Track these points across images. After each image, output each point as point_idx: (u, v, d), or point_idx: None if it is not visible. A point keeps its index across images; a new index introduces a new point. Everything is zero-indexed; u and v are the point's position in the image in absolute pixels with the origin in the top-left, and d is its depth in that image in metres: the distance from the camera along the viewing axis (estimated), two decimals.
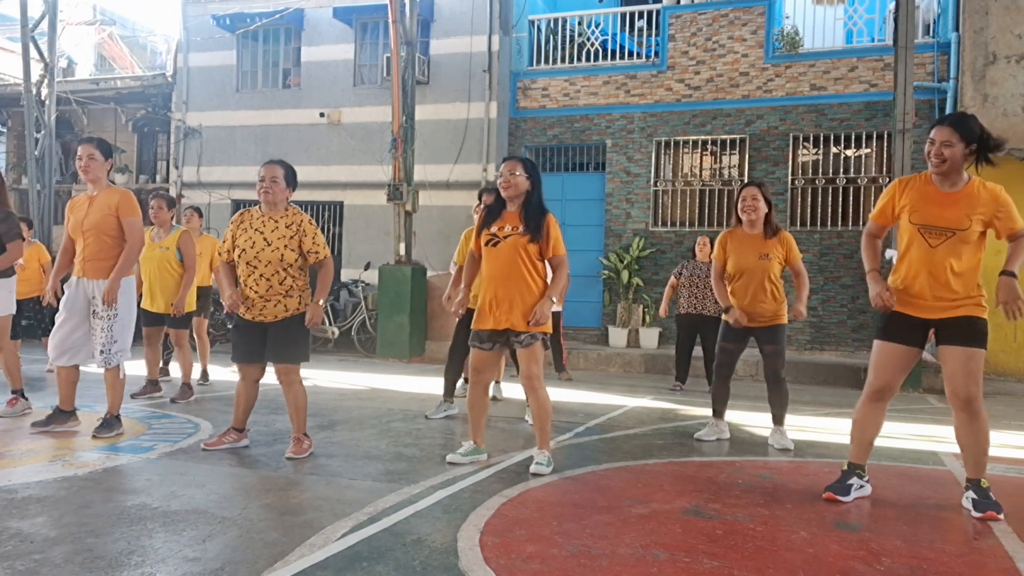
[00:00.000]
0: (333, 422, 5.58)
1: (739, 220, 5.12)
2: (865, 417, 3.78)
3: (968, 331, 3.54)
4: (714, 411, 5.36)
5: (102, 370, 4.87)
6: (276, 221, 4.39)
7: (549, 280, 4.25)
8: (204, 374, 7.57)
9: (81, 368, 5.02)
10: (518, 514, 3.39)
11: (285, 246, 4.35)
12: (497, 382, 6.99)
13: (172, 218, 6.71)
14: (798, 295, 5.26)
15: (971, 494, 3.57)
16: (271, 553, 2.79)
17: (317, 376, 8.60)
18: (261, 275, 4.35)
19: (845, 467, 3.87)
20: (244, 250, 4.37)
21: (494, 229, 4.22)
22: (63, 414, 4.97)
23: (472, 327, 4.32)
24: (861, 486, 3.80)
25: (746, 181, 5.34)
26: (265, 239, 4.35)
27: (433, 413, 5.93)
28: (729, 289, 5.14)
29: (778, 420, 5.16)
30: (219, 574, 2.58)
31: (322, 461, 4.33)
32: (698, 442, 5.22)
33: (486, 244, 4.23)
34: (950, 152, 3.45)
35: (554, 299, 4.12)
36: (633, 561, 2.81)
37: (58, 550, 2.76)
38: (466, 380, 5.83)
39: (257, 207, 4.50)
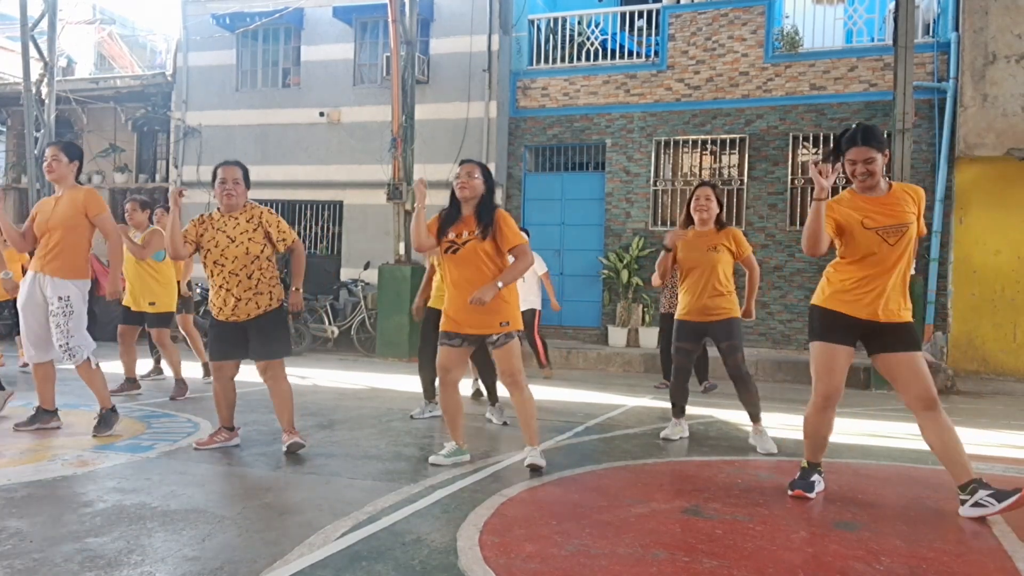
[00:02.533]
0: (333, 422, 5.58)
1: (691, 220, 5.17)
2: (818, 424, 3.79)
3: (910, 337, 3.63)
4: (674, 411, 5.35)
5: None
6: (236, 219, 4.48)
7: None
8: (206, 368, 7.52)
9: (66, 368, 5.03)
10: (517, 513, 3.39)
11: (249, 239, 4.42)
12: (476, 378, 6.99)
13: (148, 218, 6.75)
14: (747, 293, 5.28)
15: (982, 492, 3.43)
16: (270, 552, 2.79)
17: (317, 376, 8.60)
18: (230, 272, 4.41)
19: (804, 465, 3.88)
20: (209, 251, 4.45)
21: (451, 236, 4.22)
22: (46, 413, 4.99)
23: (441, 327, 4.32)
24: (820, 481, 3.88)
25: (699, 182, 5.37)
26: (228, 236, 4.42)
27: (418, 414, 5.91)
28: (682, 287, 5.20)
29: (755, 418, 5.10)
30: (218, 573, 2.58)
31: (321, 461, 4.33)
32: (665, 441, 5.20)
33: (446, 251, 4.23)
34: (874, 167, 3.60)
35: (500, 284, 4.04)
36: (633, 561, 2.81)
37: (58, 549, 2.76)
38: None
39: (216, 210, 4.57)
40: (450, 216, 4.28)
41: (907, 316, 3.66)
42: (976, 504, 3.44)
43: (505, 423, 5.71)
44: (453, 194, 4.29)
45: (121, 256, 4.95)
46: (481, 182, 4.23)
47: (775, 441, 5.03)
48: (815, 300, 3.80)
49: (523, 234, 4.37)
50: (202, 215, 4.58)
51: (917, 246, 3.79)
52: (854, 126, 3.69)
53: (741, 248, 5.12)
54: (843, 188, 3.90)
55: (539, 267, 8.91)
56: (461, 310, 4.17)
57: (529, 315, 8.89)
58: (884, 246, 3.59)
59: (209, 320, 4.58)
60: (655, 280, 5.35)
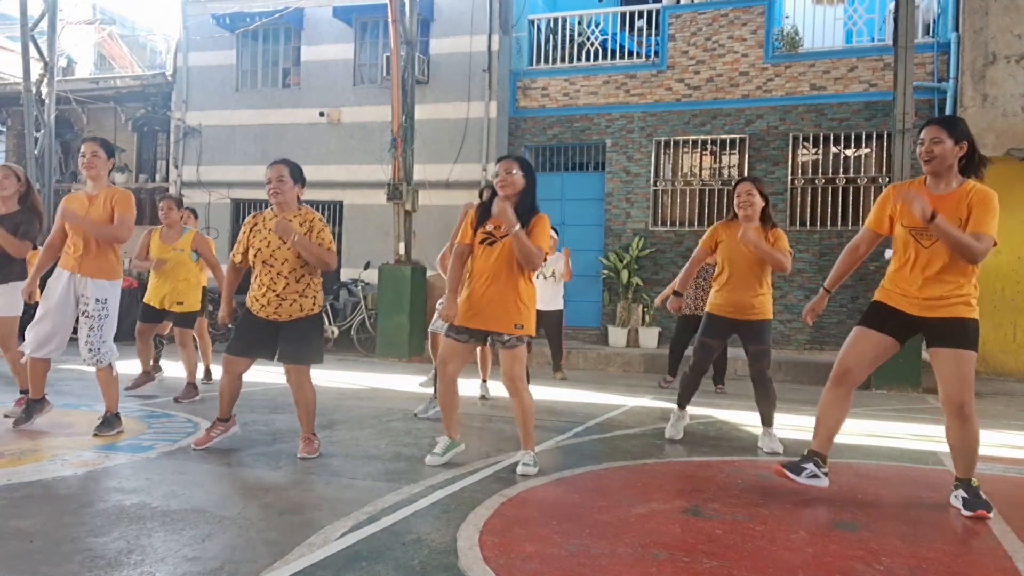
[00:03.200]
0: (333, 421, 5.58)
1: (735, 215, 5.08)
2: (827, 404, 3.78)
3: (958, 332, 3.52)
4: (680, 402, 5.30)
5: (93, 369, 4.87)
6: (290, 220, 4.37)
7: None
8: (208, 373, 7.56)
9: (79, 368, 5.02)
10: (517, 514, 3.39)
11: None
12: (484, 381, 7.00)
13: (181, 219, 6.75)
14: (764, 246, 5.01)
15: (961, 493, 3.58)
16: (270, 552, 2.79)
17: (317, 376, 8.55)
18: (279, 273, 4.35)
19: (806, 452, 3.84)
20: (260, 250, 4.38)
21: (490, 228, 4.19)
22: (37, 403, 4.95)
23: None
24: (816, 474, 3.74)
25: (740, 178, 5.28)
26: (280, 237, 4.35)
27: (423, 411, 5.90)
28: (719, 281, 5.09)
29: (767, 421, 5.06)
30: (218, 573, 2.58)
31: (322, 460, 4.33)
32: (671, 442, 5.18)
33: (481, 242, 4.20)
34: (940, 149, 3.50)
35: (517, 228, 3.98)
36: (633, 561, 2.81)
37: (58, 549, 2.76)
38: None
39: (269, 209, 4.51)
40: (489, 208, 4.21)
41: (956, 312, 3.53)
42: (955, 497, 3.63)
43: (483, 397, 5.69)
44: (494, 190, 4.26)
45: (104, 231, 4.73)
46: (521, 177, 4.18)
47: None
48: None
49: (551, 237, 4.30)
50: (254, 215, 4.53)
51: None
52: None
53: (779, 244, 4.98)
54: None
55: (560, 268, 8.82)
56: (478, 302, 4.13)
57: (558, 315, 8.87)
58: (917, 247, 3.57)
59: (242, 313, 4.52)
60: (658, 302, 5.21)
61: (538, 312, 7.89)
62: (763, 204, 5.00)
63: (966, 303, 3.55)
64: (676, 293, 5.35)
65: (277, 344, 4.44)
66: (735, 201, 5.01)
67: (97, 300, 4.74)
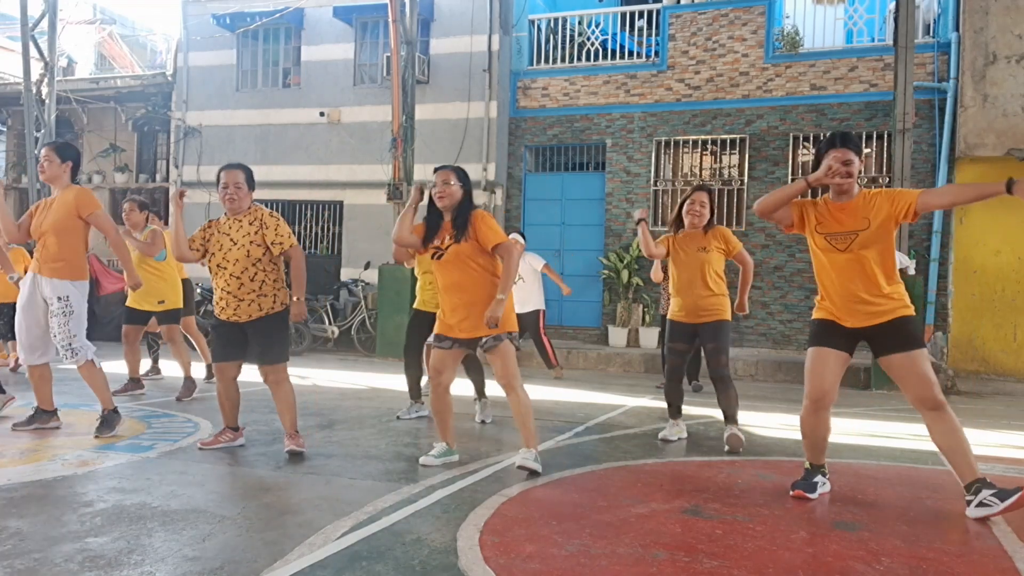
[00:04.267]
0: (333, 421, 5.58)
1: (681, 221, 5.18)
2: (813, 427, 3.81)
3: (904, 334, 3.59)
4: (670, 412, 5.34)
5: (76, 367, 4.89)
6: (240, 221, 4.50)
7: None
8: (209, 371, 7.54)
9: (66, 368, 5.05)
10: (517, 513, 3.39)
11: (251, 242, 4.43)
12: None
13: (146, 219, 6.74)
14: (740, 287, 5.30)
15: (986, 492, 3.42)
16: (270, 552, 2.79)
17: (317, 376, 8.60)
18: (231, 275, 4.43)
19: (807, 467, 3.89)
20: (213, 254, 4.50)
21: (436, 242, 4.26)
22: (45, 413, 5.00)
23: (436, 330, 4.34)
24: (824, 483, 3.87)
25: (696, 185, 5.38)
26: (232, 240, 4.46)
27: (404, 414, 5.90)
28: (673, 288, 5.23)
29: (729, 419, 5.09)
30: (218, 573, 2.58)
31: (321, 461, 4.33)
32: (664, 442, 5.19)
33: (433, 257, 4.27)
34: (854, 168, 3.66)
35: (501, 296, 4.05)
36: (633, 561, 2.81)
37: (58, 549, 2.76)
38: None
39: (224, 216, 4.60)
40: (432, 223, 4.31)
41: (897, 313, 3.61)
42: (981, 504, 3.43)
43: (483, 422, 5.72)
44: (432, 202, 4.30)
45: (126, 248, 5.00)
46: (458, 187, 4.23)
47: (776, 441, 5.04)
48: (813, 315, 3.91)
49: (504, 232, 4.30)
50: (210, 220, 4.63)
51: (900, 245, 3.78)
52: (831, 134, 3.78)
53: (731, 245, 5.12)
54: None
55: (536, 263, 8.87)
56: (452, 314, 4.20)
57: (534, 316, 8.87)
58: (833, 252, 3.67)
59: (211, 320, 4.59)
60: (655, 275, 5.30)
61: (519, 315, 7.91)
62: (709, 216, 5.13)
63: (902, 303, 3.64)
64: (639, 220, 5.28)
65: (247, 343, 4.52)
66: (686, 207, 5.14)
67: (59, 299, 4.77)
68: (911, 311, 3.66)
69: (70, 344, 4.77)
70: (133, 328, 6.77)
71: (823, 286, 3.79)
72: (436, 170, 4.33)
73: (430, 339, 4.49)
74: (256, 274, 4.45)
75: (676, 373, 5.28)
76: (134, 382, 6.74)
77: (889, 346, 3.60)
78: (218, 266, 4.47)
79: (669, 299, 8.06)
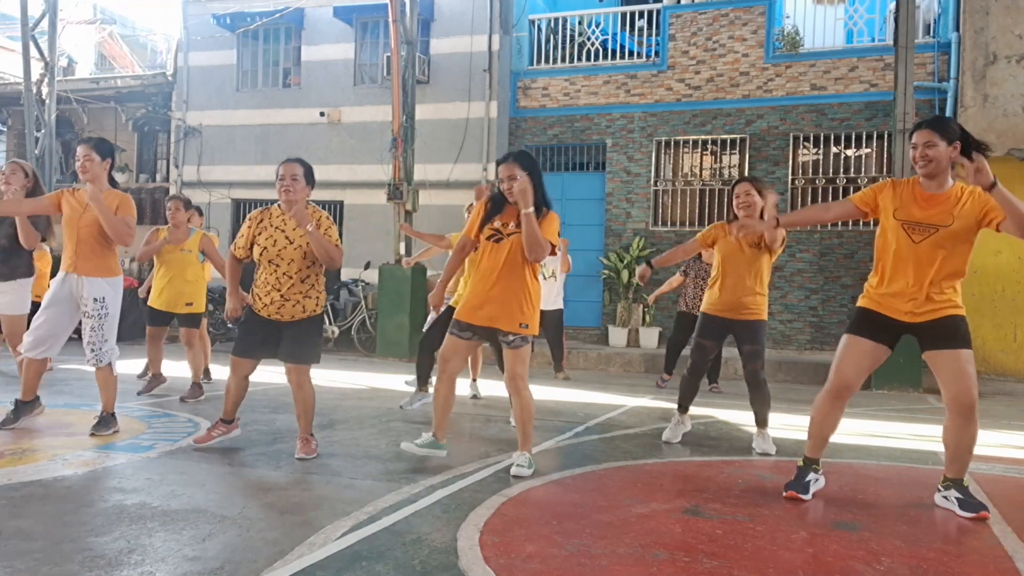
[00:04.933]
0: (333, 421, 5.58)
1: (735, 216, 4.97)
2: (825, 415, 3.76)
3: (954, 332, 3.50)
4: (680, 406, 5.24)
5: (93, 369, 4.86)
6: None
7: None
8: (207, 372, 7.57)
9: (79, 368, 5.02)
10: (518, 513, 3.38)
11: (307, 243, 4.29)
12: (474, 380, 7.01)
13: (188, 219, 6.76)
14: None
15: (955, 493, 3.55)
16: (271, 552, 2.79)
17: (317, 376, 8.55)
18: (284, 273, 4.32)
19: (801, 463, 3.85)
20: (265, 248, 4.33)
21: (497, 224, 4.13)
22: (27, 405, 4.94)
23: (455, 316, 4.24)
24: (816, 480, 3.81)
25: (739, 178, 5.21)
26: (287, 237, 4.31)
27: (408, 403, 5.89)
28: (715, 281, 5.03)
29: (761, 422, 5.02)
30: (219, 573, 2.58)
31: (322, 460, 4.33)
32: (667, 444, 5.13)
33: (488, 239, 4.14)
34: (934, 152, 3.48)
35: (529, 210, 3.91)
36: (633, 561, 2.81)
37: (58, 549, 2.76)
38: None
39: (276, 206, 4.44)
40: (498, 204, 4.16)
41: (951, 311, 3.52)
42: (944, 497, 3.60)
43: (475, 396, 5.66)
44: (500, 190, 4.15)
45: (109, 219, 4.66)
46: (526, 176, 4.03)
47: (776, 441, 5.03)
48: (857, 303, 3.80)
49: (559, 240, 4.24)
50: (260, 210, 4.47)
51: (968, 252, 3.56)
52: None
53: (776, 247, 4.92)
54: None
55: (564, 264, 8.80)
56: (484, 299, 4.09)
57: (558, 314, 8.85)
58: (908, 242, 3.53)
59: (246, 312, 4.49)
60: (674, 282, 5.07)
61: (540, 312, 7.90)
62: (762, 204, 4.90)
63: (955, 304, 3.56)
64: (648, 264, 5.18)
65: (279, 342, 4.42)
66: (734, 202, 4.93)
67: (95, 299, 4.72)
68: (963, 311, 3.57)
69: (100, 348, 4.73)
70: (158, 330, 6.72)
71: (883, 270, 3.64)
72: (498, 162, 4.18)
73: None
74: (308, 276, 4.36)
75: (698, 369, 5.13)
76: (156, 378, 6.74)
77: (939, 342, 3.51)
78: (269, 262, 4.31)
79: (694, 297, 8.06)
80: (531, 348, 4.18)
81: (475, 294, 4.15)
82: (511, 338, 4.09)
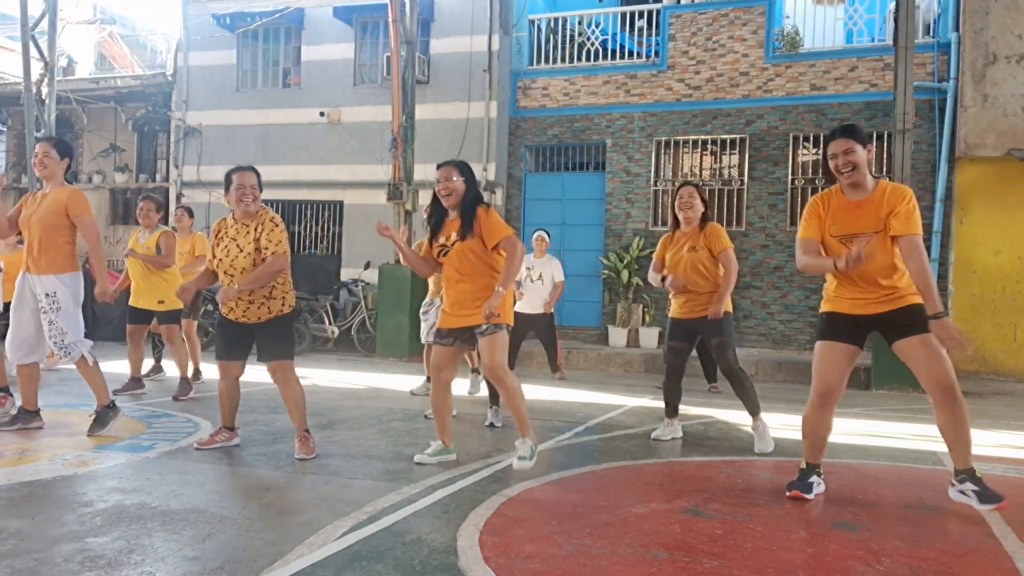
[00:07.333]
0: (333, 421, 5.58)
1: (676, 221, 5.19)
2: (816, 422, 3.79)
3: (918, 318, 3.54)
4: (667, 411, 5.32)
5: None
6: (247, 226, 4.42)
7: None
8: (196, 372, 7.57)
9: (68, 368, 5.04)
10: (518, 513, 3.39)
11: (256, 249, 4.38)
12: (475, 371, 7.03)
13: (160, 219, 6.77)
14: (719, 291, 4.99)
15: (970, 486, 3.52)
16: (270, 552, 2.79)
17: (317, 376, 8.60)
18: (240, 281, 4.40)
19: (803, 466, 3.86)
20: (220, 259, 4.46)
21: (441, 240, 4.31)
22: (28, 414, 4.97)
23: (436, 326, 4.41)
24: (819, 483, 3.85)
25: (682, 182, 5.43)
26: (238, 246, 4.41)
27: (418, 390, 5.94)
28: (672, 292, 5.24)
29: (753, 412, 5.05)
30: (218, 573, 2.58)
31: (322, 460, 4.33)
32: (656, 442, 5.17)
33: (438, 255, 4.33)
34: (855, 158, 3.57)
35: (501, 289, 4.06)
36: (633, 561, 2.81)
37: (58, 549, 2.76)
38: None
39: (231, 215, 4.53)
40: (438, 220, 4.35)
41: (909, 300, 3.58)
42: (961, 492, 3.56)
43: (493, 425, 5.64)
44: (436, 198, 4.31)
45: (102, 258, 4.93)
46: (461, 183, 4.24)
47: (776, 441, 5.03)
48: (820, 309, 3.87)
49: (508, 227, 4.27)
50: (219, 223, 4.57)
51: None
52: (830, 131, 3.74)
53: (715, 243, 5.01)
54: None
55: (557, 275, 8.79)
56: (454, 304, 4.25)
57: (550, 317, 8.84)
58: (849, 247, 3.59)
59: (217, 318, 4.58)
60: (653, 280, 5.28)
61: (529, 315, 7.91)
62: (703, 209, 5.12)
63: (911, 291, 3.60)
64: (663, 277, 5.29)
65: (253, 342, 4.52)
66: (676, 204, 5.16)
67: (47, 295, 4.76)
68: (920, 299, 3.58)
69: (62, 342, 4.76)
70: (137, 328, 6.81)
71: (835, 276, 3.70)
72: (439, 166, 4.33)
73: (430, 337, 4.52)
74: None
75: (674, 372, 5.27)
76: (135, 381, 6.76)
77: (903, 330, 3.57)
78: (225, 273, 4.43)
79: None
80: (506, 336, 4.20)
81: (447, 302, 4.33)
82: (483, 327, 4.16)
